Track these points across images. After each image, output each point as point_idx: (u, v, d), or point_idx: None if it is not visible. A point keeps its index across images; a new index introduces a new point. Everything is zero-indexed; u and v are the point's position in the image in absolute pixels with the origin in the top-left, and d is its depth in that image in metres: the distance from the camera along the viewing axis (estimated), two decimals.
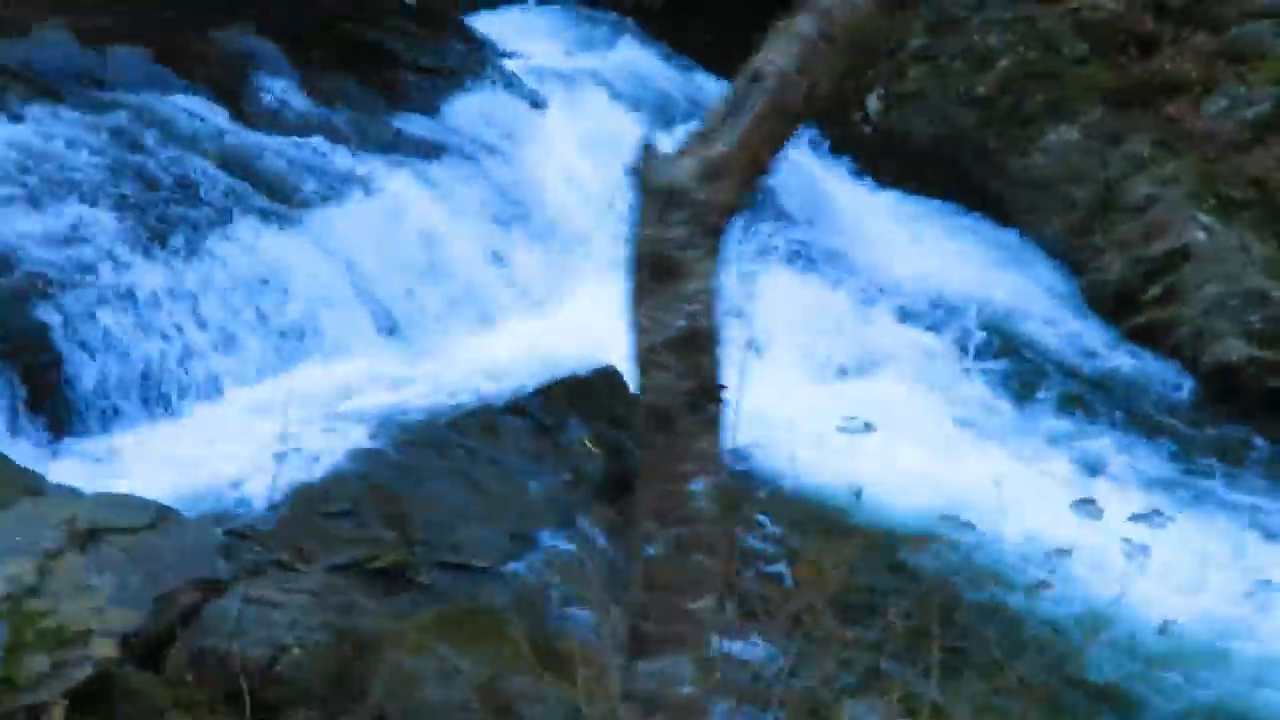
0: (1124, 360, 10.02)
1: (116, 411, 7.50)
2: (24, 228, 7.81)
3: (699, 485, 2.37)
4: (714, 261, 2.41)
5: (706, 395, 2.52)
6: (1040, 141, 11.06)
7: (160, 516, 4.79)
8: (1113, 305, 10.27)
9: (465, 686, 5.91)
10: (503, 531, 7.19)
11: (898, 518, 8.08)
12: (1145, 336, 10.05)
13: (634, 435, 8.22)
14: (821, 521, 7.98)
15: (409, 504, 7.24)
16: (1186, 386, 9.66)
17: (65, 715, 3.85)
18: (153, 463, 7.30)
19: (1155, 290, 10.03)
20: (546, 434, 7.86)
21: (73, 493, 5.82)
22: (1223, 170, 11.11)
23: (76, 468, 7.09)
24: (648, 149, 2.39)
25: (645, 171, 2.34)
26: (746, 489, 7.97)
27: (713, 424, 2.50)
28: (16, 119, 8.73)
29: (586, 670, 6.54)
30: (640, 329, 2.39)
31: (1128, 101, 11.35)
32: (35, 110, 8.81)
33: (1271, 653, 7.41)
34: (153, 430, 7.50)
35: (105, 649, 3.91)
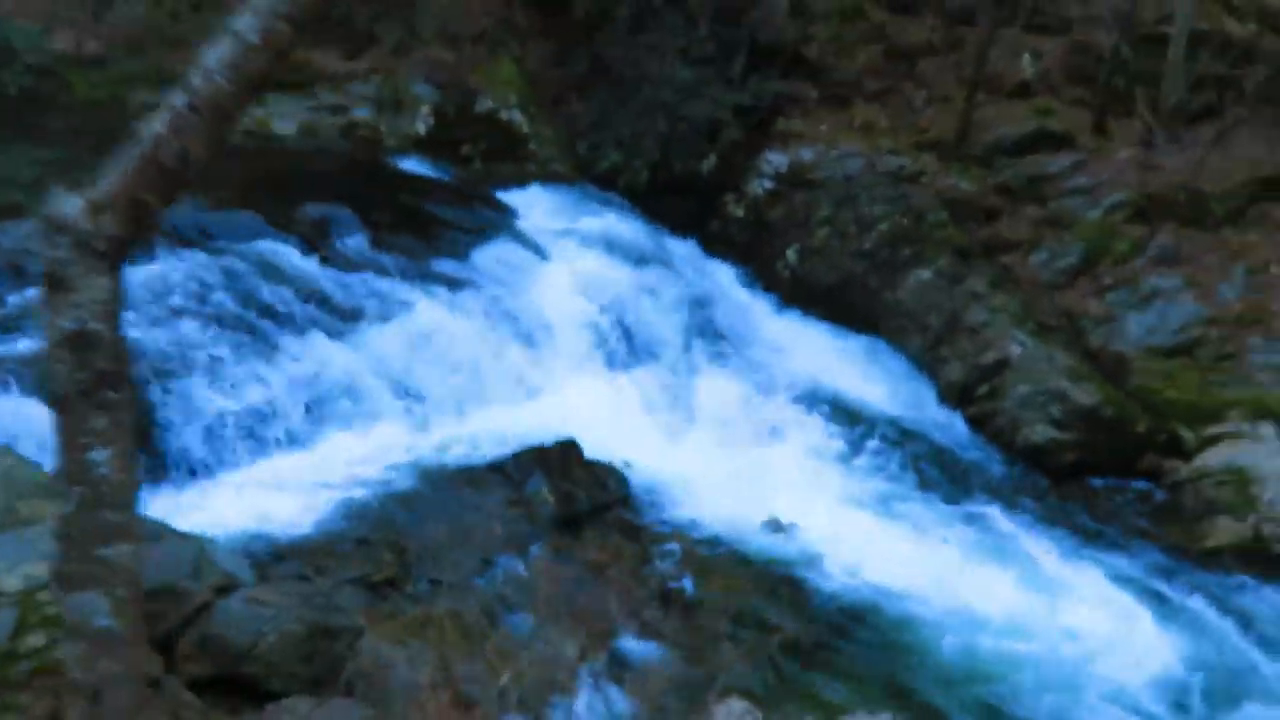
0: (962, 438, 9.78)
1: (200, 466, 7.42)
2: (140, 331, 7.82)
3: (99, 454, 2.29)
4: (105, 278, 2.32)
5: (102, 384, 2.41)
6: (905, 282, 10.94)
7: (156, 534, 4.64)
8: (956, 399, 10.05)
9: (426, 669, 5.72)
10: (474, 556, 7.02)
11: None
12: (979, 422, 9.82)
13: (583, 486, 8.03)
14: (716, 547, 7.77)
15: (408, 536, 7.10)
16: (1003, 459, 9.39)
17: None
18: (227, 504, 7.20)
19: (984, 389, 9.82)
20: (515, 487, 7.72)
21: None
22: (1041, 304, 10.98)
23: (171, 505, 7.02)
24: (53, 191, 2.35)
25: (47, 208, 2.31)
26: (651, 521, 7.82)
27: (109, 406, 2.39)
28: (153, 259, 8.80)
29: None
30: (46, 331, 2.34)
31: (970, 253, 11.25)
32: (169, 255, 8.88)
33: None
34: (225, 480, 7.40)
35: None
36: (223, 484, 7.39)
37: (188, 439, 7.47)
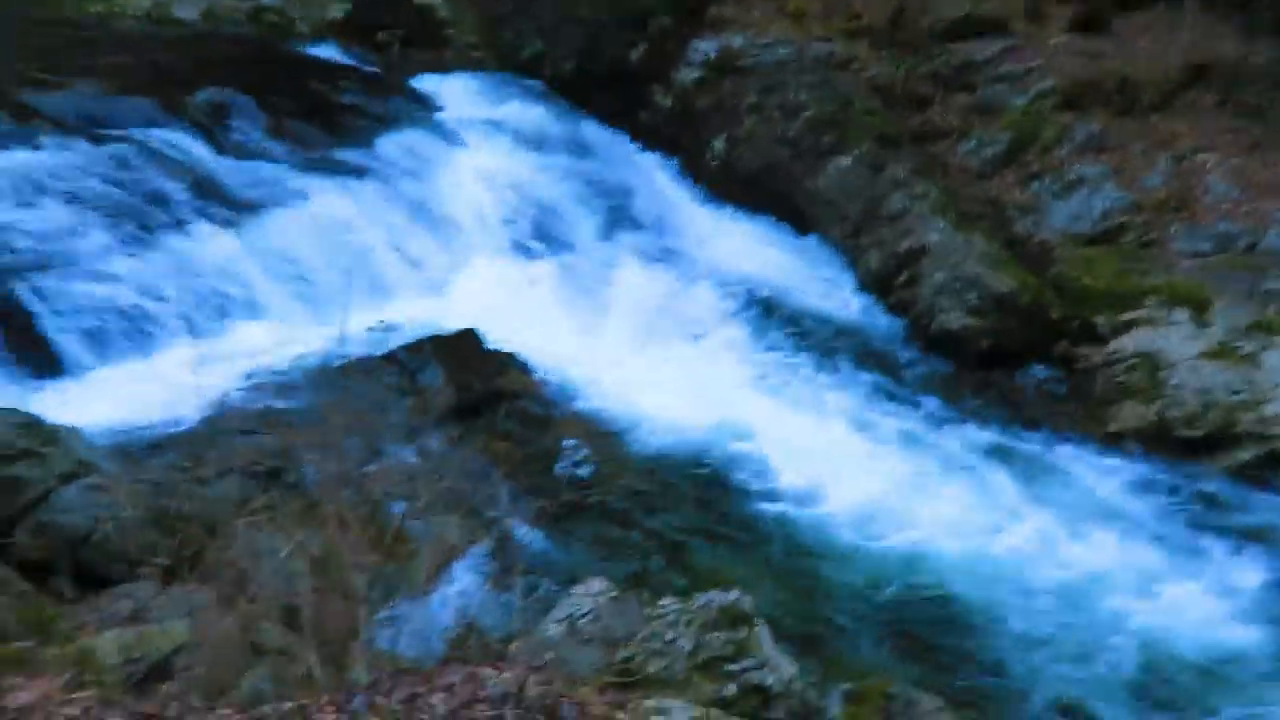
0: (879, 327, 9.68)
1: (81, 361, 7.18)
2: (18, 225, 7.49)
3: None
4: None
5: None
6: (825, 169, 10.70)
7: None
8: (875, 287, 9.92)
9: (305, 558, 5.60)
10: (363, 446, 6.85)
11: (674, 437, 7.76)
12: (897, 310, 9.72)
13: (481, 376, 7.87)
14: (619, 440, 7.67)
15: (295, 428, 6.89)
16: (918, 347, 9.31)
17: None
18: (109, 396, 6.99)
19: (903, 277, 9.69)
20: (410, 376, 7.55)
21: None
22: (968, 192, 10.78)
23: (50, 399, 6.80)
24: None
25: None
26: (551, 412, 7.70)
27: None
28: (38, 148, 8.41)
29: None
30: None
31: (896, 141, 11.00)
32: (52, 141, 8.50)
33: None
34: (109, 374, 7.19)
35: None
36: (104, 377, 7.18)
37: (67, 331, 7.22)
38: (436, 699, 2.31)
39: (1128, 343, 8.83)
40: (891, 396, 8.64)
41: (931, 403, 8.64)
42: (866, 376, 8.85)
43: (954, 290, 9.24)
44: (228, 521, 5.53)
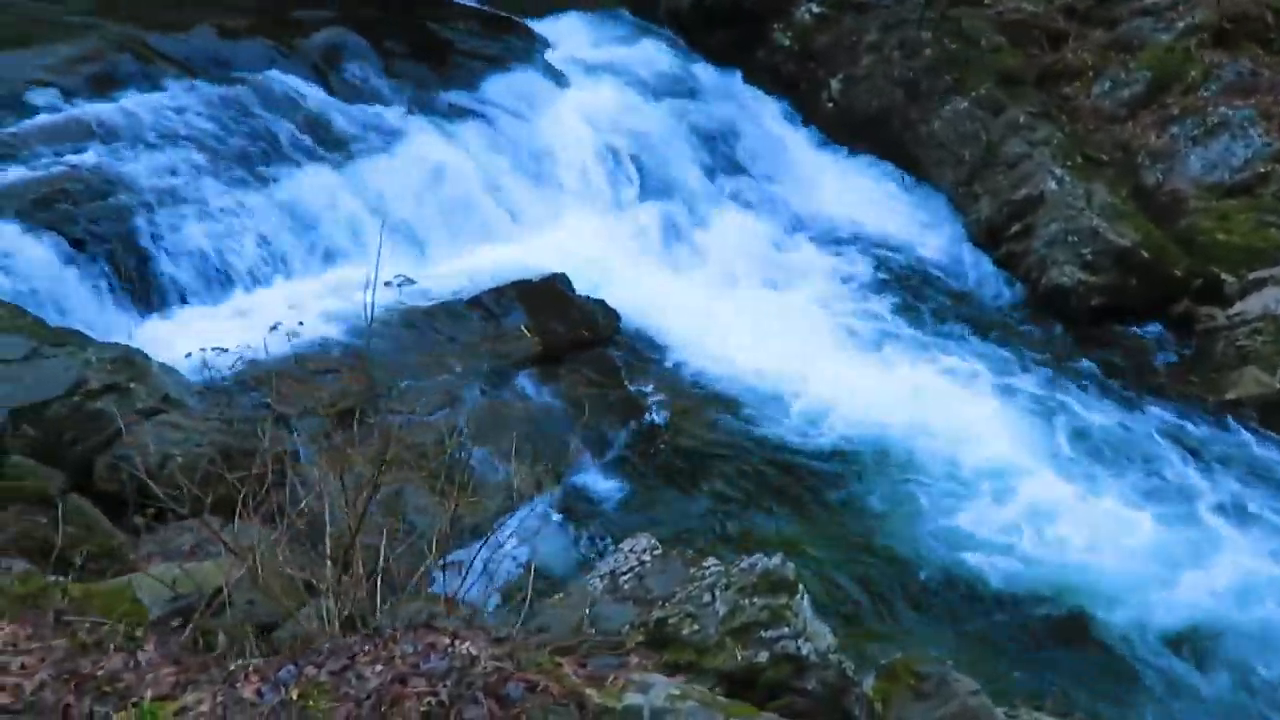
0: (988, 281, 9.24)
1: (186, 296, 7.51)
2: (138, 165, 7.83)
3: None
4: None
5: None
6: (941, 111, 10.18)
7: (33, 352, 4.69)
8: (986, 238, 9.45)
9: (374, 499, 5.76)
10: (441, 389, 6.99)
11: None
12: (1007, 264, 9.24)
13: (566, 323, 7.90)
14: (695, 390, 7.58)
15: (379, 368, 7.08)
16: (1027, 303, 8.85)
17: None
18: (207, 332, 7.27)
19: (1016, 227, 9.19)
20: (494, 320, 7.62)
21: None
22: (1096, 137, 10.11)
23: (154, 333, 7.15)
24: None
25: None
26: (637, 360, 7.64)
27: None
28: (159, 89, 8.74)
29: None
30: None
31: (1021, 81, 10.35)
32: (173, 83, 8.81)
33: None
34: (209, 310, 7.50)
35: None
36: (205, 313, 7.48)
37: (175, 268, 7.55)
38: (371, 671, 2.32)
39: (1255, 303, 8.18)
40: (993, 355, 8.26)
41: (1034, 362, 8.23)
42: (967, 332, 8.49)
43: (1068, 243, 8.72)
44: (300, 460, 5.73)
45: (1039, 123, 9.80)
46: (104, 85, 8.51)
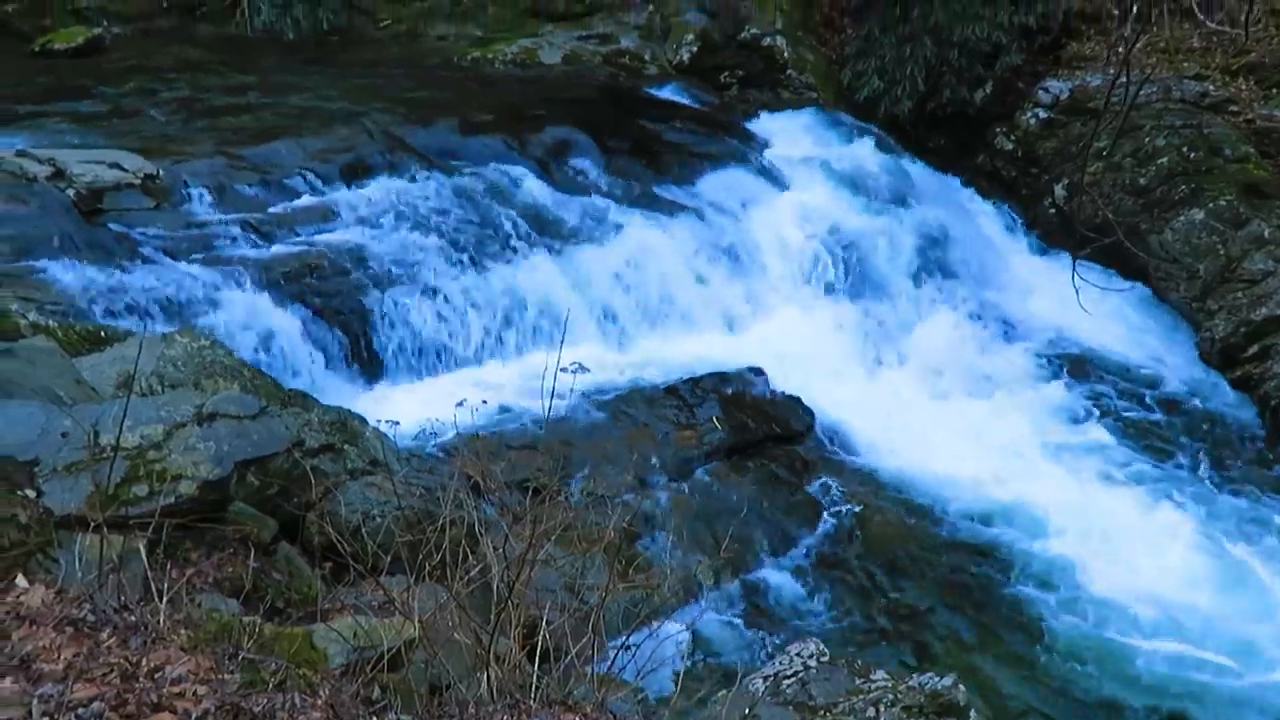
0: (1222, 404, 8.57)
1: (405, 368, 8.05)
2: (375, 246, 8.52)
3: None
4: None
5: None
6: (1175, 222, 9.63)
7: (262, 411, 5.12)
8: (1219, 358, 8.80)
9: (556, 575, 5.94)
10: (631, 473, 7.13)
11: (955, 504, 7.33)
12: (1243, 386, 8.55)
13: (760, 417, 7.91)
14: (885, 494, 7.38)
15: (574, 448, 7.32)
16: (1263, 428, 8.12)
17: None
18: (419, 403, 7.75)
19: (1255, 349, 8.51)
20: (689, 410, 7.73)
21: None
22: None
23: (372, 401, 7.70)
24: None
25: None
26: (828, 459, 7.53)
27: None
28: (401, 177, 9.53)
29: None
30: None
31: (1264, 192, 9.68)
32: (414, 172, 9.59)
33: None
34: (424, 383, 7.99)
35: (189, 488, 4.26)
36: (424, 385, 7.99)
37: (397, 341, 8.12)
38: None
39: None
40: (1220, 484, 7.63)
41: (1272, 497, 7.53)
42: (1192, 458, 7.88)
43: None
44: (488, 530, 5.98)
45: None
46: (355, 173, 9.39)
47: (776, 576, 6.56)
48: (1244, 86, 11.32)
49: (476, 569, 5.71)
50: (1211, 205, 9.47)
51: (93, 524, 4.00)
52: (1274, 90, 11.14)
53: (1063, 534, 7.09)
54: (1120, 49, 12.42)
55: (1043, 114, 11.87)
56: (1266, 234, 9.09)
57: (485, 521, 5.99)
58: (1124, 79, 11.99)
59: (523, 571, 5.12)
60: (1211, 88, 11.10)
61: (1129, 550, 6.75)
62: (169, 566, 4.08)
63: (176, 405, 4.71)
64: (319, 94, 11.77)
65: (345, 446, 5.86)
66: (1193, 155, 10.29)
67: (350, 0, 14.48)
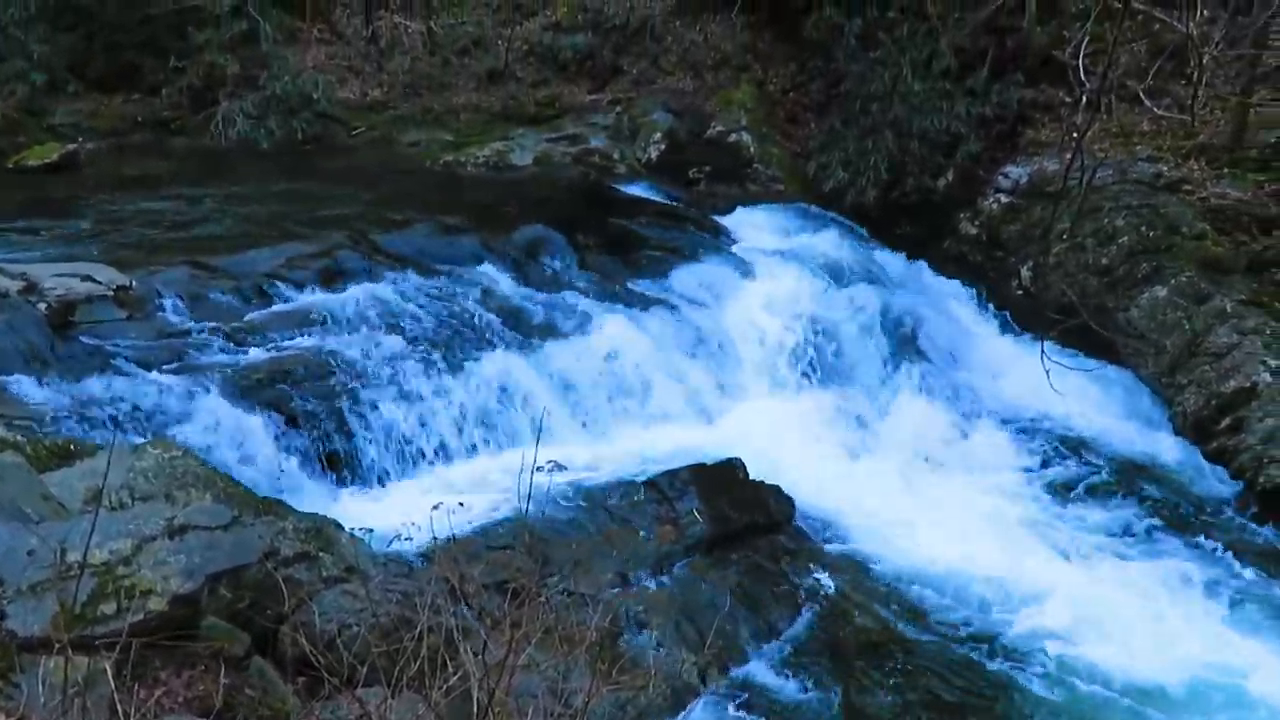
0: (1195, 479, 8.59)
1: (383, 470, 7.96)
2: (349, 350, 8.48)
3: None
4: None
5: None
6: (1139, 299, 9.79)
7: (235, 520, 5.03)
8: (1192, 432, 8.85)
9: (539, 679, 5.79)
10: (613, 570, 7.03)
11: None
12: (1218, 459, 8.58)
13: (740, 508, 7.85)
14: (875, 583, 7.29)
15: (553, 546, 7.21)
16: (1243, 505, 8.13)
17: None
18: (395, 506, 7.65)
19: (1226, 421, 8.58)
20: (668, 503, 7.66)
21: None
22: None
23: (347, 505, 7.59)
24: None
25: None
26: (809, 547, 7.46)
27: None
28: (376, 280, 9.56)
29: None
30: None
31: (1228, 268, 9.87)
32: (389, 276, 9.62)
33: None
34: (400, 485, 7.89)
35: (158, 604, 4.15)
36: (397, 487, 7.89)
37: (372, 444, 8.04)
38: None
39: None
40: (1203, 559, 7.60)
41: (1252, 571, 7.50)
42: (1173, 533, 7.87)
43: None
44: (468, 635, 5.85)
45: (1248, 311, 9.26)
46: (330, 277, 9.42)
47: (765, 671, 6.43)
48: (1195, 166, 11.62)
49: (456, 676, 5.58)
50: (1173, 281, 9.64)
51: (57, 646, 3.88)
52: (1224, 170, 11.44)
53: (1045, 612, 7.02)
54: (1074, 134, 12.83)
55: (1004, 199, 12.13)
56: (1228, 308, 9.24)
57: (464, 627, 5.88)
58: (1080, 163, 12.34)
59: (503, 678, 5.00)
60: (1165, 168, 11.40)
61: (1113, 626, 6.68)
62: (136, 688, 3.96)
63: (146, 518, 4.63)
64: (294, 201, 11.90)
65: (320, 554, 5.75)
66: (1152, 234, 10.51)
67: (323, 110, 14.75)
